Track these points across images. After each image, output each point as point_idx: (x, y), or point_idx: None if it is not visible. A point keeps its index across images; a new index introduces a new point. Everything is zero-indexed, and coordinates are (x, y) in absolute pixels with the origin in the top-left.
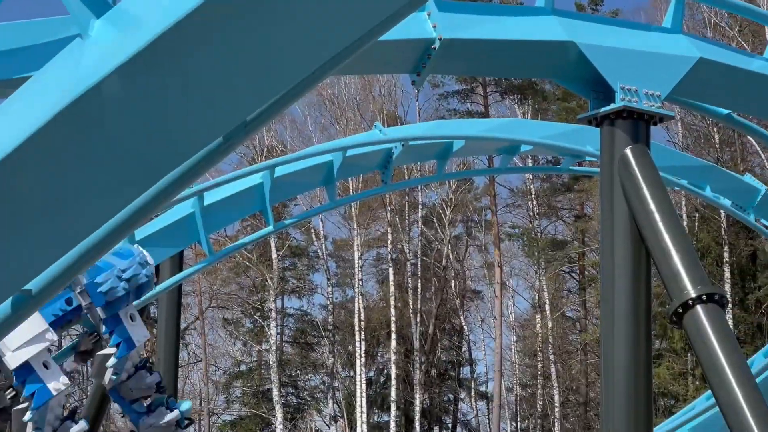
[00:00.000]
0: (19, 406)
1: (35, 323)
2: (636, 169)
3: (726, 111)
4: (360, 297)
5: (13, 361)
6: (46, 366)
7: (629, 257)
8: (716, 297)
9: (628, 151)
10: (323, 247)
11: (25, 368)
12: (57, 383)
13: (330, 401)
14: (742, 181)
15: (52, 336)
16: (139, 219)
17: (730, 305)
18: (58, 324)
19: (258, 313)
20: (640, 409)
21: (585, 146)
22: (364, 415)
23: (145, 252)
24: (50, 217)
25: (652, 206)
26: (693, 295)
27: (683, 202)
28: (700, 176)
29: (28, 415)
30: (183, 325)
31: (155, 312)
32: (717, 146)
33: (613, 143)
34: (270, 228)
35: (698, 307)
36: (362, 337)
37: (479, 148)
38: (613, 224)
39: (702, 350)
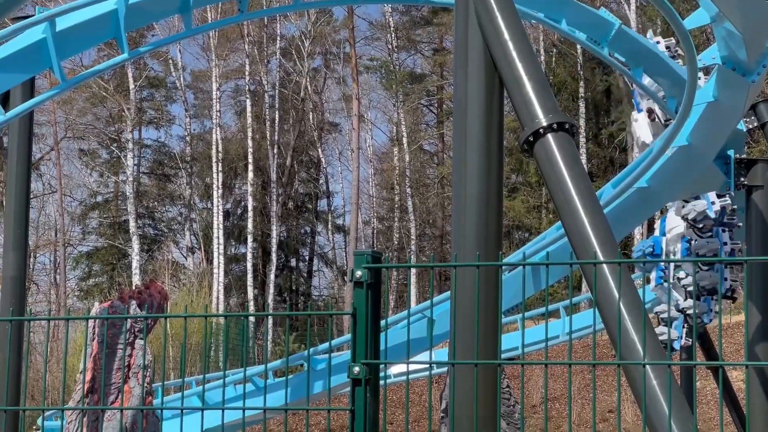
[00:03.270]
0: None
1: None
2: None
3: None
4: (218, 128)
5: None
6: None
7: (482, 87)
8: (566, 126)
9: None
10: (181, 78)
11: None
12: None
13: (187, 233)
14: (598, 15)
15: None
16: None
17: (584, 140)
18: None
19: (115, 144)
20: (490, 241)
21: None
22: (221, 247)
23: None
24: None
25: (506, 35)
26: (544, 123)
27: (541, 37)
28: (557, 9)
29: None
30: (38, 156)
31: (7, 141)
32: None
33: None
34: (125, 55)
35: (549, 135)
36: (219, 168)
37: None
38: (467, 53)
39: (551, 178)
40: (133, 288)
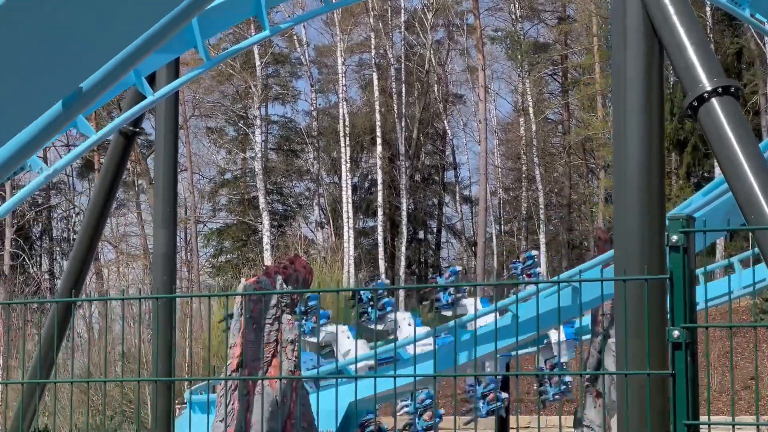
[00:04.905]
0: None
1: None
2: None
3: None
4: (344, 103)
5: None
6: None
7: (642, 51)
8: (732, 89)
9: None
10: (306, 54)
11: None
12: None
13: (316, 208)
14: None
15: None
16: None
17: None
18: None
19: (242, 121)
20: (654, 204)
21: None
22: (350, 221)
23: None
24: (99, 21)
25: None
26: (708, 87)
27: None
28: None
29: None
30: None
31: (153, 123)
32: None
33: None
34: (266, 32)
35: (713, 100)
36: (347, 143)
37: None
38: (625, 18)
39: (717, 143)
40: (279, 263)
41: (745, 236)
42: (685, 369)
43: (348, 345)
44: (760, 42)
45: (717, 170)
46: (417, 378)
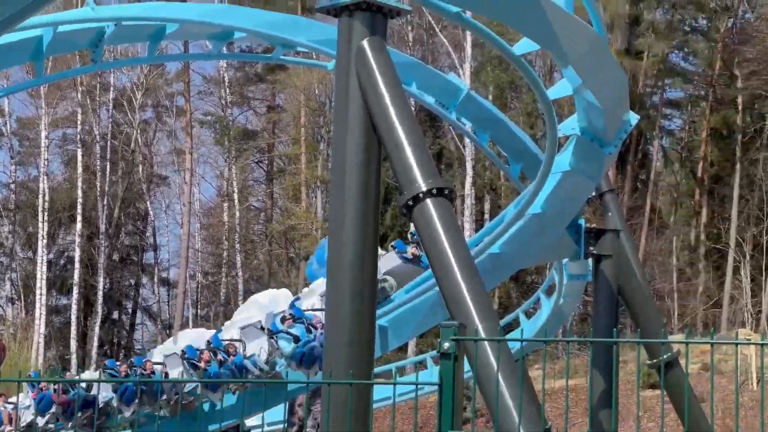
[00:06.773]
0: None
1: None
2: (372, 61)
3: (456, 9)
4: (45, 177)
5: None
6: None
7: (361, 148)
8: (446, 191)
9: (365, 43)
10: (8, 124)
11: None
12: None
13: (7, 282)
14: (447, 79)
15: None
16: None
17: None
18: None
19: None
20: (366, 294)
21: (298, 37)
22: (43, 298)
23: None
24: None
25: (387, 99)
26: (423, 188)
27: None
28: (407, 72)
29: None
30: None
31: None
32: (410, 44)
33: (351, 35)
34: None
35: (428, 200)
36: (45, 218)
37: (193, 32)
38: (348, 115)
39: (429, 241)
40: None
41: (435, 332)
42: None
43: None
44: (459, 144)
45: None
46: None
